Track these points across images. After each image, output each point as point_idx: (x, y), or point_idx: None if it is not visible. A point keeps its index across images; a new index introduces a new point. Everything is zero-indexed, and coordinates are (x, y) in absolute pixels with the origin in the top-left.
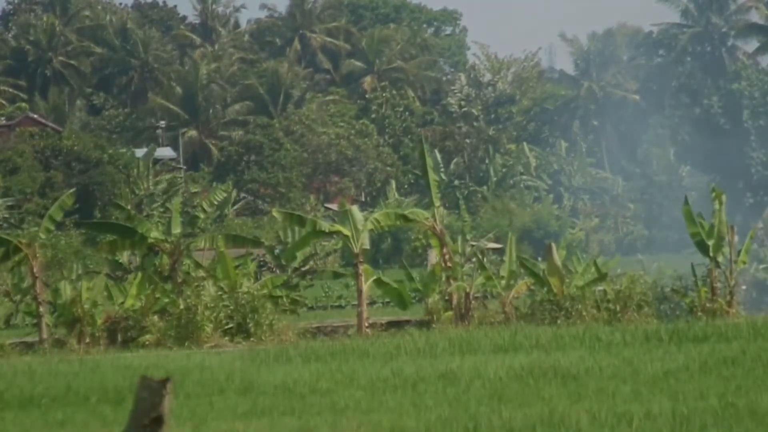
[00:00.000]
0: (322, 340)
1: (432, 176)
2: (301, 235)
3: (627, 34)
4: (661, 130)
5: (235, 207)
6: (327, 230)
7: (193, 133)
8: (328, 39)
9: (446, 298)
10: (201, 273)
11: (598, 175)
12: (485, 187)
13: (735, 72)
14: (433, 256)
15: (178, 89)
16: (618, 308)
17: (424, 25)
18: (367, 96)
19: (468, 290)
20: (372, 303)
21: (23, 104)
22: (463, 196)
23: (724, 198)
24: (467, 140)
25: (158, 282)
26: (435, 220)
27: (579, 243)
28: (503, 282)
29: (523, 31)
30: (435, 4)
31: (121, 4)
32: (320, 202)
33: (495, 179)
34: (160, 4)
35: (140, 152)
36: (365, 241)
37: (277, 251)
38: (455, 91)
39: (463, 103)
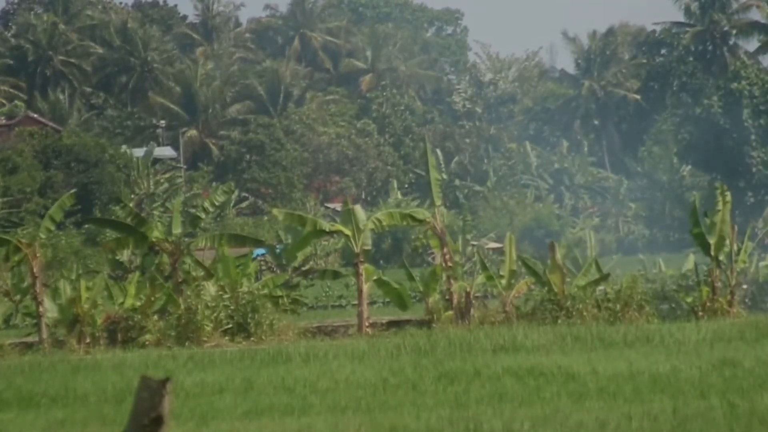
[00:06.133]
0: (322, 340)
1: (434, 175)
2: (302, 235)
3: (628, 33)
4: (663, 128)
5: (239, 206)
6: (328, 230)
7: (193, 132)
8: (329, 38)
9: (447, 297)
10: (201, 273)
11: (599, 175)
12: (486, 187)
13: (735, 71)
14: (439, 257)
15: (178, 88)
16: (619, 308)
17: (426, 25)
18: (366, 95)
19: (468, 290)
20: (372, 302)
21: (21, 103)
22: (464, 196)
23: (728, 196)
24: (467, 140)
25: (159, 281)
26: (436, 220)
27: (579, 243)
28: (504, 281)
29: (524, 31)
30: (436, 4)
31: (121, 3)
32: (320, 202)
33: (495, 179)
34: (161, 3)
35: (139, 152)
36: (367, 241)
37: (278, 251)
38: (460, 90)
39: (467, 102)
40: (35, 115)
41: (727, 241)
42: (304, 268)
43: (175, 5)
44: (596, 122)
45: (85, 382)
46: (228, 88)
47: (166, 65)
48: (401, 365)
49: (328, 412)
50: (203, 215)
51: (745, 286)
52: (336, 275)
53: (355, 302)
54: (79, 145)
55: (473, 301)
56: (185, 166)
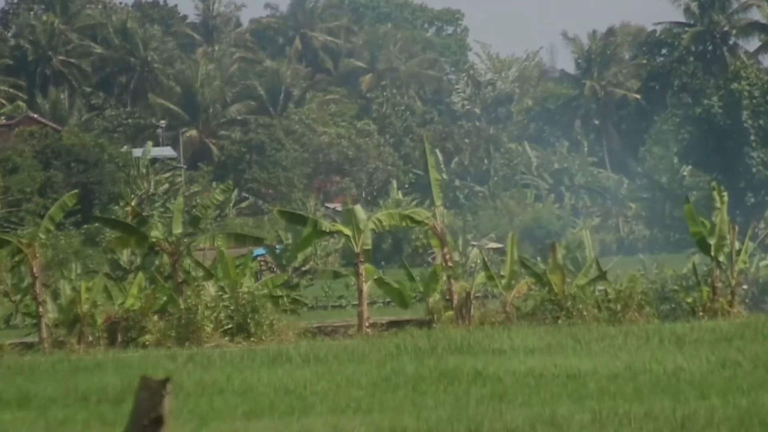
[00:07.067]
0: (322, 340)
1: (434, 175)
2: (302, 235)
3: (629, 33)
4: (663, 128)
5: (239, 206)
6: (328, 230)
7: (193, 132)
8: (329, 38)
9: (447, 297)
10: (201, 273)
11: (599, 175)
12: (486, 187)
13: (735, 71)
14: (439, 257)
15: (178, 89)
16: (619, 308)
17: (426, 25)
18: (366, 95)
19: (469, 290)
20: (372, 302)
21: (20, 103)
22: (464, 196)
23: (725, 196)
24: (467, 140)
25: (159, 282)
26: (436, 220)
27: (579, 243)
28: (504, 281)
29: (524, 31)
30: (436, 4)
31: (121, 3)
32: (320, 202)
33: (495, 179)
34: (161, 3)
35: (138, 152)
36: (367, 241)
37: (278, 251)
38: (458, 90)
39: (465, 102)
40: (35, 115)
41: (727, 241)
42: (304, 268)
43: (175, 5)
44: (596, 122)
45: (85, 382)
46: (228, 88)
47: (166, 65)
48: (401, 365)
49: (328, 413)
50: (203, 215)
51: (745, 287)
52: (336, 275)
53: (355, 302)
54: (79, 145)
55: (473, 301)
56: (185, 166)
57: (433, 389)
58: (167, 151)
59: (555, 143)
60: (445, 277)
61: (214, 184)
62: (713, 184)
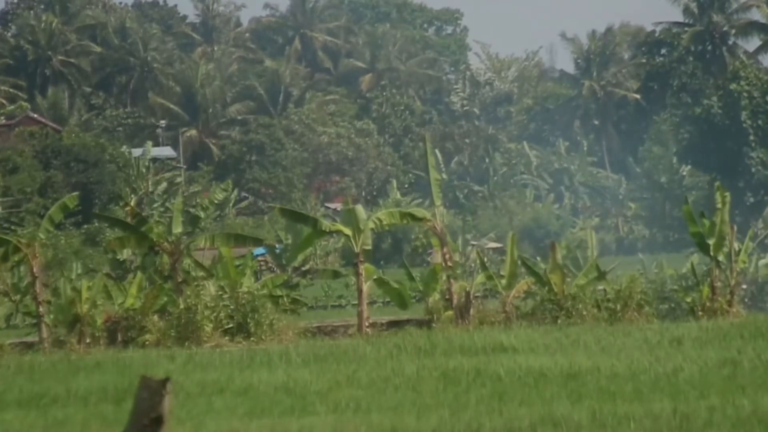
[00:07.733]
0: (322, 340)
1: (434, 175)
2: (302, 235)
3: (628, 33)
4: (662, 128)
5: (239, 206)
6: (328, 230)
7: (193, 132)
8: (329, 38)
9: (447, 297)
10: (201, 273)
11: (599, 174)
12: (485, 187)
13: (734, 71)
14: (437, 257)
15: (178, 89)
16: (618, 308)
17: (425, 25)
18: (366, 95)
19: (468, 290)
20: (372, 302)
21: (23, 103)
22: (464, 196)
23: (728, 197)
24: (466, 140)
25: (158, 281)
26: (436, 220)
27: (579, 243)
28: (504, 281)
29: (523, 31)
30: (436, 4)
31: (121, 3)
32: (320, 202)
33: (495, 178)
34: (161, 3)
35: (138, 152)
36: (367, 241)
37: (278, 251)
38: (458, 90)
39: (465, 102)
40: (35, 115)
41: (727, 241)
42: (304, 268)
43: (175, 5)
44: (596, 122)
45: (85, 382)
46: (228, 88)
47: (166, 65)
48: (401, 365)
49: (328, 413)
50: (203, 214)
51: (744, 286)
52: (336, 275)
53: (355, 302)
54: (79, 145)
55: (473, 301)
56: (185, 166)
57: (433, 389)
58: (167, 151)
59: (554, 143)
60: (444, 277)
61: (214, 184)
62: (717, 184)
